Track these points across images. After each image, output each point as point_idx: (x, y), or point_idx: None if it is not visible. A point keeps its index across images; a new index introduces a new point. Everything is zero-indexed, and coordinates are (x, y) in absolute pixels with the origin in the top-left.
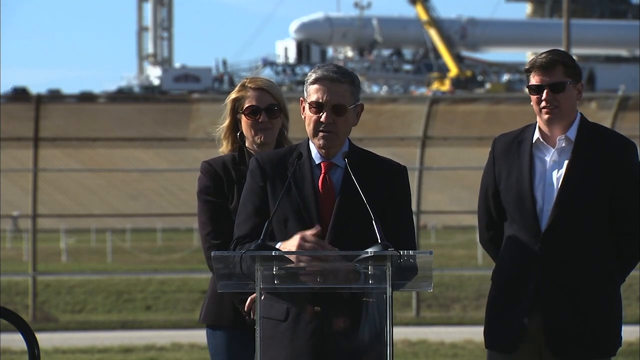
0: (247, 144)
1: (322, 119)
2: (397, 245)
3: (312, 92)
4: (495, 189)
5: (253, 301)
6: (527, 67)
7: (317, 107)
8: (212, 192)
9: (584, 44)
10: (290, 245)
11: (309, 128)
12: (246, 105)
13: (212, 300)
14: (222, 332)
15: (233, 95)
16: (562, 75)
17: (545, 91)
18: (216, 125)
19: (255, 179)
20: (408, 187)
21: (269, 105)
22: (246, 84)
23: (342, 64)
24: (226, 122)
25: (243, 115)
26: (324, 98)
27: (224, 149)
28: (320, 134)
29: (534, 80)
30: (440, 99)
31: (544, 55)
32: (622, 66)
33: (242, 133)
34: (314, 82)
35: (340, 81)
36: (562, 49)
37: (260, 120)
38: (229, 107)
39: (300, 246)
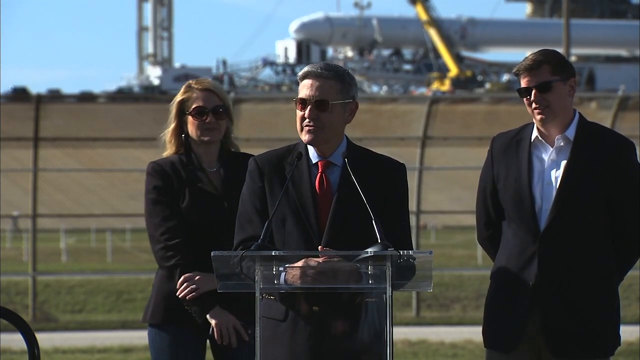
0: (192, 146)
1: (306, 114)
2: (394, 243)
3: (300, 89)
4: (493, 188)
5: (185, 282)
6: (514, 71)
7: (302, 103)
8: (164, 191)
9: (584, 44)
10: (294, 270)
11: (297, 124)
12: (193, 106)
13: (159, 299)
14: (168, 332)
15: (179, 97)
16: (548, 74)
17: (533, 92)
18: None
19: (254, 179)
20: (406, 185)
21: (216, 106)
22: (192, 85)
23: (342, 64)
24: (172, 125)
25: (190, 116)
26: (307, 94)
27: (169, 152)
28: (305, 129)
29: (522, 83)
30: (440, 99)
31: (529, 57)
32: (622, 66)
33: (187, 135)
34: (301, 78)
35: (324, 77)
36: (562, 49)
37: (207, 120)
38: (175, 109)
39: (304, 272)
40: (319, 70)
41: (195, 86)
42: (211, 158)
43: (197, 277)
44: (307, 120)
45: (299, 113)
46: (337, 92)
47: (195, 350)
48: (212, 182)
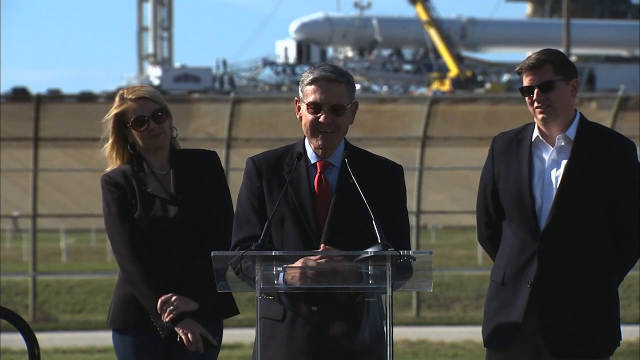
0: (141, 153)
1: (321, 119)
2: (392, 244)
3: (310, 93)
4: (494, 188)
5: (163, 305)
6: (517, 69)
7: (315, 107)
8: (119, 202)
9: (584, 44)
10: (294, 270)
11: (307, 129)
12: (132, 118)
13: (118, 303)
14: (129, 336)
15: (114, 110)
16: (551, 74)
17: (535, 91)
18: (216, 124)
19: (251, 179)
20: (404, 186)
21: (154, 111)
22: (125, 96)
23: (342, 64)
24: (111, 139)
25: (132, 128)
26: (322, 98)
27: (115, 166)
28: (319, 134)
29: (524, 81)
30: (440, 99)
31: (532, 56)
32: (622, 66)
33: (132, 144)
34: (311, 82)
35: (338, 81)
36: (562, 48)
37: (150, 128)
38: (111, 123)
39: (303, 272)
40: (331, 75)
41: (129, 96)
42: (161, 162)
43: (173, 298)
44: (322, 125)
45: (310, 117)
46: (347, 95)
47: (157, 353)
48: (163, 185)
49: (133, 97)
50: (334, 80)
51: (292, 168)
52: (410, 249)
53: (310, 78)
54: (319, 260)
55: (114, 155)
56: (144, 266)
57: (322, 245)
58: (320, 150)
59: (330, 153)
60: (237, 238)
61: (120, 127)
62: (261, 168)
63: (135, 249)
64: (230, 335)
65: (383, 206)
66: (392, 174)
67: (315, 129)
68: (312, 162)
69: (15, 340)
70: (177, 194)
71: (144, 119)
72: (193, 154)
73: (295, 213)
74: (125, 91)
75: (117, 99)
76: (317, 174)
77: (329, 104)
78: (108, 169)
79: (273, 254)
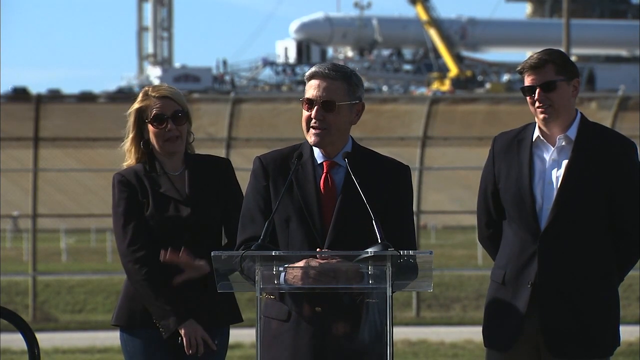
0: (155, 152)
1: (312, 115)
2: (397, 245)
3: (307, 89)
4: (494, 188)
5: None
6: (518, 69)
7: (308, 103)
8: (130, 203)
9: (584, 44)
10: (296, 270)
11: (303, 124)
12: (152, 114)
13: (125, 301)
14: (138, 333)
15: (136, 105)
16: (553, 74)
17: (537, 91)
18: (216, 124)
19: (258, 179)
20: (410, 186)
21: (174, 111)
22: (149, 92)
23: (342, 64)
24: (132, 134)
25: (150, 125)
26: (314, 94)
27: (130, 162)
28: (311, 130)
29: (526, 81)
30: (440, 99)
31: (534, 55)
32: (622, 66)
33: (146, 141)
34: (308, 78)
35: (332, 78)
36: (562, 48)
37: (167, 128)
38: (132, 118)
39: (305, 273)
40: (326, 71)
41: (152, 94)
42: (175, 163)
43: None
44: (313, 120)
45: (305, 113)
46: (344, 93)
47: (165, 350)
48: (175, 186)
49: (157, 95)
50: (328, 77)
51: (294, 168)
52: (416, 249)
53: (307, 74)
54: (320, 260)
55: (132, 150)
56: (144, 268)
57: (317, 250)
58: (321, 149)
59: (335, 152)
60: (241, 238)
61: (139, 123)
62: (268, 168)
63: (137, 251)
64: (230, 335)
65: (389, 206)
66: (399, 174)
67: (307, 124)
68: (319, 162)
69: (15, 340)
70: (191, 194)
71: (163, 118)
72: (208, 159)
73: (301, 213)
74: (150, 88)
75: (140, 95)
76: (324, 174)
77: (320, 100)
78: (125, 164)
79: (273, 254)
